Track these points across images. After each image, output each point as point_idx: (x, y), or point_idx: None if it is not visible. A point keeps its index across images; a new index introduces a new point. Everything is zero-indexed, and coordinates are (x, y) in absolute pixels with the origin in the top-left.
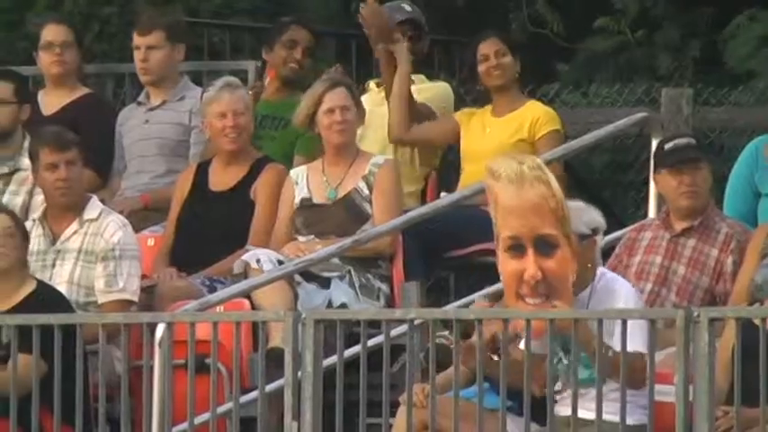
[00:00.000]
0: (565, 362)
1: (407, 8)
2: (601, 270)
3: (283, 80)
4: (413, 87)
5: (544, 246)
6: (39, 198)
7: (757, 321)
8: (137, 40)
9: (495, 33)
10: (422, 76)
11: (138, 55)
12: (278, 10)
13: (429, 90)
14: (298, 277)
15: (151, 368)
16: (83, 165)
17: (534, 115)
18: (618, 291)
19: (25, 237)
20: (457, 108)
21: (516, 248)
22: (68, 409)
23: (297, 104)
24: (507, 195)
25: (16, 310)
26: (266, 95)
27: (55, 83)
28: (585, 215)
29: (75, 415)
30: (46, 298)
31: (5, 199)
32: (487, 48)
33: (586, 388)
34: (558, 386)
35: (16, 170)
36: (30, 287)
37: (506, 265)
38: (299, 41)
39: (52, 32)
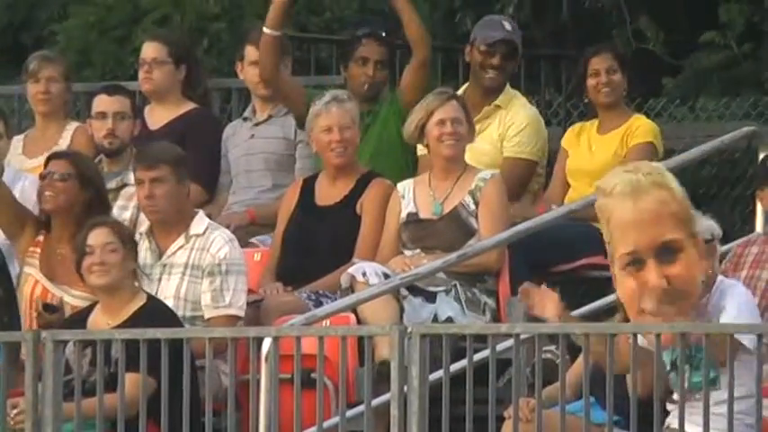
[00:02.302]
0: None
1: (507, 27)
2: (720, 277)
3: (358, 96)
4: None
5: (666, 253)
6: None
7: None
8: (255, 54)
9: (608, 48)
10: (515, 91)
11: (256, 69)
12: (385, 23)
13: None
14: (404, 291)
15: (258, 382)
16: (179, 181)
17: (632, 127)
18: (733, 295)
19: (132, 250)
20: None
21: (635, 263)
22: (176, 424)
23: (374, 114)
24: (623, 210)
25: (126, 324)
26: None
27: (152, 99)
28: (704, 221)
29: (182, 430)
30: (155, 313)
31: (114, 213)
32: (599, 63)
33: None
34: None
35: (124, 185)
36: (140, 301)
37: (625, 283)
38: (370, 57)
39: (145, 50)
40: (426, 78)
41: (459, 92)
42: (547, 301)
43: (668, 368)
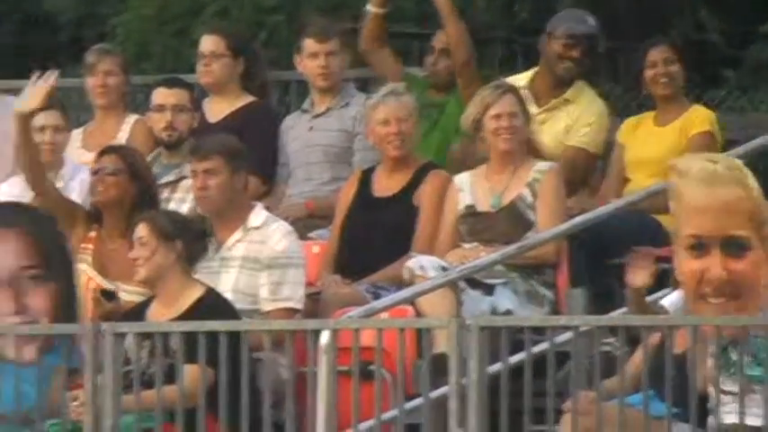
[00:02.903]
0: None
1: (591, 22)
2: None
3: (437, 87)
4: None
5: (733, 247)
6: None
7: None
8: (314, 46)
9: (666, 40)
10: (584, 85)
11: (316, 61)
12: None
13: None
14: (462, 284)
15: (316, 375)
16: (233, 172)
17: (690, 118)
18: None
19: (170, 243)
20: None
21: (698, 247)
22: (234, 416)
23: (442, 104)
24: (695, 193)
25: (183, 316)
26: (428, 95)
27: (210, 92)
28: None
29: (241, 423)
30: (212, 305)
31: (172, 206)
32: (657, 54)
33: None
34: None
35: (182, 178)
36: (197, 293)
37: (687, 264)
38: (435, 46)
39: (203, 43)
40: (473, 75)
41: (526, 78)
42: (639, 270)
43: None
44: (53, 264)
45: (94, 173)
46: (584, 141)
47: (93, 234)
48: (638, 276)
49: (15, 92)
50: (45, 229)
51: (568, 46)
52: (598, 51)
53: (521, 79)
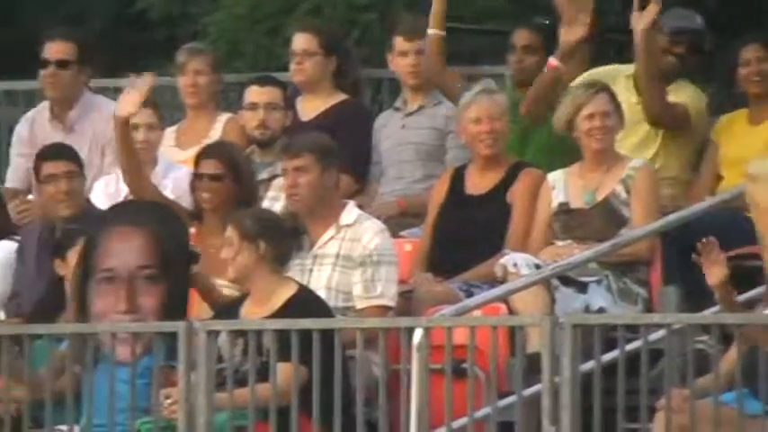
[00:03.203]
0: None
1: (698, 20)
2: None
3: (516, 83)
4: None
5: None
6: None
7: None
8: (404, 44)
9: (759, 38)
10: (685, 82)
11: (406, 60)
12: (534, 13)
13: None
14: (555, 281)
15: (409, 373)
16: (324, 170)
17: None
18: None
19: (252, 242)
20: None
21: None
22: (327, 414)
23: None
24: (764, 197)
25: (276, 314)
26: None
27: (303, 90)
28: None
29: (333, 421)
30: (305, 303)
31: (265, 204)
32: (750, 53)
33: None
34: None
35: (275, 176)
36: (290, 291)
37: None
38: (517, 44)
39: (295, 41)
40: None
41: (633, 69)
42: (714, 267)
43: None
44: (170, 265)
45: (197, 177)
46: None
47: (193, 231)
48: (713, 273)
49: (107, 90)
50: (169, 230)
51: (673, 42)
52: (703, 49)
53: (626, 70)
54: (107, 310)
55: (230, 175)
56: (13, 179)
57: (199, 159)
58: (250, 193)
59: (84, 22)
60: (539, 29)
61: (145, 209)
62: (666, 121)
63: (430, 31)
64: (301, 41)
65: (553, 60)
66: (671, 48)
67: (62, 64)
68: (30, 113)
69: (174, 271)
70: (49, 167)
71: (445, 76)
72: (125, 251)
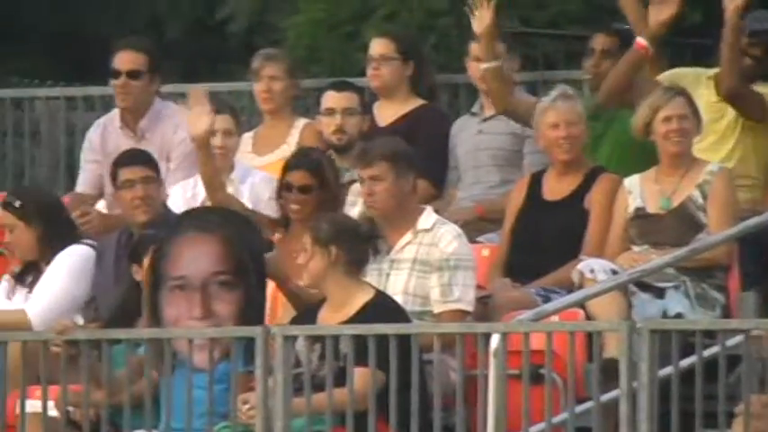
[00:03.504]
0: None
1: None
2: None
3: (593, 88)
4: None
5: None
6: None
7: None
8: (474, 50)
9: None
10: (762, 85)
11: (476, 64)
12: (612, 18)
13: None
14: (632, 287)
15: (486, 378)
16: (399, 176)
17: None
18: None
19: (324, 247)
20: None
21: None
22: (404, 419)
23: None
24: None
25: (353, 319)
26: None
27: (380, 95)
28: None
29: (411, 425)
30: (382, 308)
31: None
32: None
33: None
34: None
35: (353, 181)
36: (366, 296)
37: None
38: (596, 48)
39: (373, 46)
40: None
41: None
42: None
43: None
44: (245, 271)
45: (286, 187)
46: None
47: (276, 238)
48: None
49: (183, 96)
50: (244, 237)
51: (750, 43)
52: None
53: (707, 72)
54: (180, 318)
55: (318, 184)
56: (83, 184)
57: (286, 169)
58: (336, 199)
59: (162, 28)
60: (617, 33)
61: (216, 215)
62: (741, 97)
63: (483, 66)
64: (379, 47)
65: (641, 40)
66: (748, 49)
67: (133, 74)
68: (101, 120)
69: (249, 276)
70: (126, 173)
71: (514, 103)
72: (198, 258)
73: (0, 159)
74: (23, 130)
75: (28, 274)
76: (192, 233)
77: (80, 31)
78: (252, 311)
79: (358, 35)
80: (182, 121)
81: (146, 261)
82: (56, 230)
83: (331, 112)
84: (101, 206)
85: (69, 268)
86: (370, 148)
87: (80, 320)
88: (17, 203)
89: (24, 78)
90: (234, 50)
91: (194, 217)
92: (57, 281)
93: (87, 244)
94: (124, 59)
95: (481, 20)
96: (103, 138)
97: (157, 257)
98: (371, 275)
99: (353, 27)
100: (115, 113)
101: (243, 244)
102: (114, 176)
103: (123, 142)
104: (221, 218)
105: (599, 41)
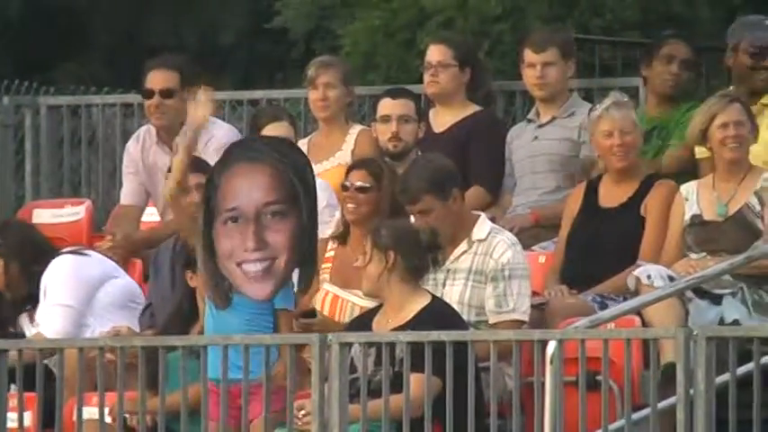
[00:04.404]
0: None
1: None
2: None
3: (661, 96)
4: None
5: None
6: None
7: None
8: (531, 57)
9: None
10: None
11: (533, 71)
12: (668, 25)
13: None
14: (689, 293)
15: (542, 385)
16: (444, 201)
17: None
18: None
19: (382, 252)
20: None
21: None
22: (460, 426)
23: (678, 116)
24: None
25: (408, 325)
26: (647, 111)
27: (437, 102)
28: None
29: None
30: (438, 314)
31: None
32: None
33: None
34: None
35: None
36: (423, 302)
37: None
38: (677, 56)
39: (430, 53)
40: None
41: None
42: None
43: None
44: (296, 199)
45: (344, 189)
46: None
47: (331, 254)
48: None
49: (240, 103)
50: (292, 163)
51: (757, 56)
52: None
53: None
54: (234, 250)
55: (376, 186)
56: (127, 196)
57: (347, 172)
58: (394, 205)
59: (217, 35)
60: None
61: (264, 144)
62: None
63: None
64: (436, 53)
65: None
66: (757, 63)
67: (166, 93)
68: (141, 131)
69: (300, 204)
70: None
71: None
72: (249, 188)
73: (57, 166)
74: (80, 137)
75: (28, 306)
76: (241, 164)
77: (137, 39)
78: (304, 239)
79: (414, 42)
80: (214, 133)
81: (197, 195)
82: (34, 256)
83: (387, 119)
84: (147, 217)
85: (52, 284)
86: (410, 182)
87: (136, 327)
88: None
89: (81, 86)
90: (292, 57)
91: (243, 147)
92: (50, 300)
93: (67, 252)
94: (156, 78)
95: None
96: (141, 151)
97: (208, 191)
98: (428, 285)
99: (410, 34)
100: (152, 126)
101: (293, 171)
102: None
103: (160, 157)
104: (269, 147)
105: (679, 50)
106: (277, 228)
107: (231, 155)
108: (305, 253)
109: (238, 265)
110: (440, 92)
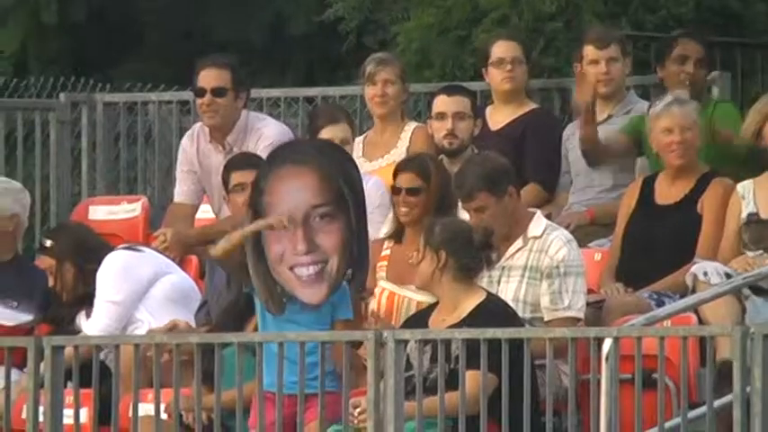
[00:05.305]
0: None
1: None
2: None
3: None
4: None
5: None
6: None
7: None
8: (594, 53)
9: None
10: None
11: (597, 68)
12: (724, 21)
13: None
14: (746, 291)
15: (598, 382)
16: (499, 199)
17: None
18: None
19: (434, 250)
20: None
21: None
22: (516, 423)
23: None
24: None
25: (463, 322)
26: None
27: (503, 99)
28: None
29: (522, 429)
30: (493, 311)
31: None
32: None
33: None
34: None
35: None
36: (478, 299)
37: None
38: (690, 55)
39: (504, 48)
40: None
41: None
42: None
43: None
44: (344, 200)
45: (395, 190)
46: None
47: (387, 252)
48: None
49: (296, 100)
50: (338, 165)
51: None
52: None
53: None
54: (285, 254)
55: (427, 189)
56: (181, 195)
57: (396, 173)
58: (446, 203)
59: (283, 30)
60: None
61: (310, 146)
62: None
63: (579, 134)
64: (510, 49)
65: None
66: None
67: (218, 91)
68: (195, 128)
69: (348, 205)
70: (238, 177)
71: (609, 154)
72: (296, 192)
73: (113, 163)
74: (136, 134)
75: (84, 305)
76: (288, 166)
77: (195, 35)
78: (354, 241)
79: (469, 39)
80: (265, 131)
81: (244, 198)
82: (88, 256)
83: (442, 116)
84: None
85: (102, 280)
86: (466, 179)
87: (193, 323)
88: (48, 243)
89: (138, 82)
90: (345, 52)
91: (288, 150)
92: (98, 297)
93: (121, 248)
94: (208, 77)
95: (584, 93)
96: (195, 149)
97: (256, 194)
98: (483, 283)
99: (464, 31)
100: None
101: (340, 173)
102: (226, 181)
103: (213, 156)
104: (315, 149)
105: (692, 49)
106: (326, 230)
107: (276, 158)
108: (356, 255)
109: (291, 269)
110: (516, 87)
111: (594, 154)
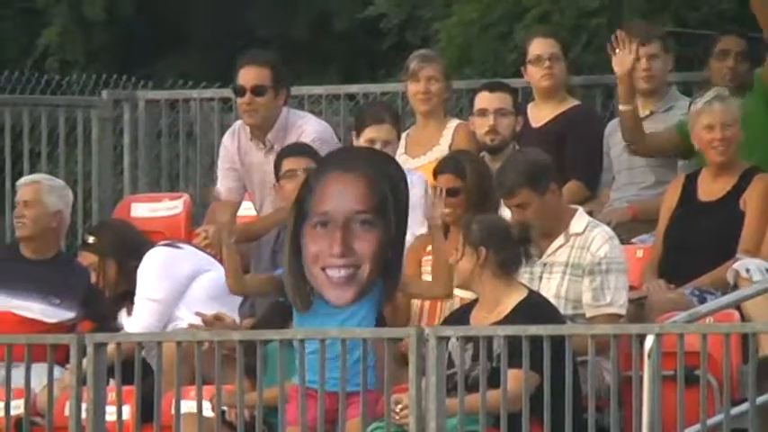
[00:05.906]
0: None
1: None
2: None
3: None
4: None
5: None
6: None
7: None
8: (639, 51)
9: None
10: None
11: (640, 64)
12: None
13: None
14: None
15: (640, 379)
16: (542, 195)
17: None
18: None
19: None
20: None
21: None
22: (558, 420)
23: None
24: None
25: (505, 320)
26: None
27: (543, 96)
28: None
29: (565, 427)
30: (535, 308)
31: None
32: None
33: None
34: None
35: None
36: (519, 296)
37: None
38: (731, 49)
39: (541, 46)
40: None
41: None
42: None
43: None
44: (386, 211)
45: (437, 192)
46: None
47: (429, 248)
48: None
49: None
50: (386, 176)
51: None
52: None
53: None
54: (320, 254)
55: (466, 189)
56: (222, 191)
57: (435, 174)
58: (486, 201)
59: (326, 27)
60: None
61: (361, 154)
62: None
63: (621, 108)
64: (549, 46)
65: None
66: None
67: (257, 90)
68: (236, 126)
69: (389, 217)
70: (289, 163)
71: (648, 141)
72: (341, 196)
73: (155, 160)
74: (178, 131)
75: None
76: (337, 171)
77: (238, 31)
78: (390, 251)
79: (510, 36)
80: (306, 128)
81: (293, 185)
82: (129, 253)
83: (484, 112)
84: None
85: (142, 277)
86: (507, 174)
87: (236, 317)
88: (90, 240)
89: (180, 79)
90: (384, 51)
91: (340, 156)
92: (139, 294)
93: (161, 245)
94: (248, 75)
95: (622, 63)
96: (236, 146)
97: (303, 193)
98: (524, 279)
99: (506, 28)
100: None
101: (386, 183)
102: (278, 168)
103: (254, 153)
104: (366, 158)
105: (733, 43)
106: (364, 237)
107: (329, 162)
108: (389, 265)
109: (323, 269)
110: (555, 84)
111: (634, 133)
